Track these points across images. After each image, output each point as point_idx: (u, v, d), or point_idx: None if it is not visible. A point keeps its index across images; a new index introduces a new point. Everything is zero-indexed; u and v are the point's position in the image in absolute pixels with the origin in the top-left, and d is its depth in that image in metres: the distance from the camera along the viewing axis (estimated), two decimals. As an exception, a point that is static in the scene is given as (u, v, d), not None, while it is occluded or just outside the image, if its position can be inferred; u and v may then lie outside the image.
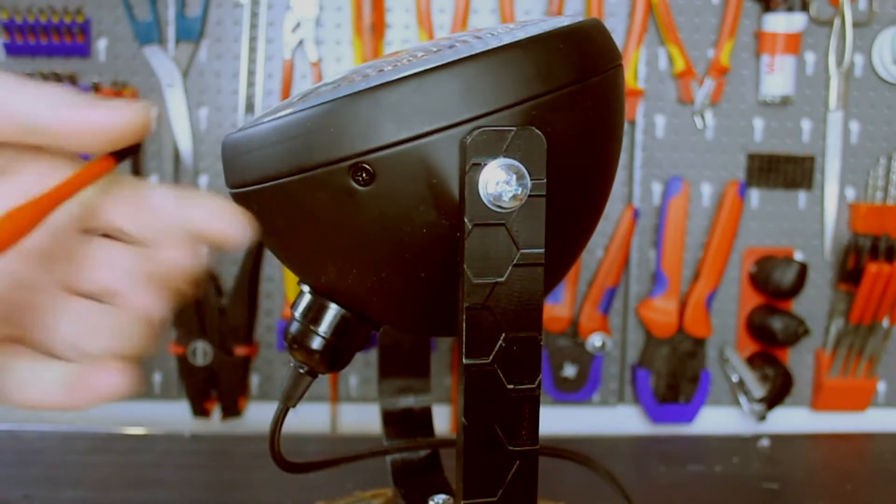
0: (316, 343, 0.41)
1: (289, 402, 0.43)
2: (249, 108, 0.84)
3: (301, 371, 0.43)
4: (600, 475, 0.50)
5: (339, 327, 0.41)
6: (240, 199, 0.41)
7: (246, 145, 0.38)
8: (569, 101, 0.36)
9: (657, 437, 0.88)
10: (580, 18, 0.39)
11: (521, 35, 0.35)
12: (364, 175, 0.34)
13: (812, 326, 0.86)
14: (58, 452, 0.80)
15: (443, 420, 0.88)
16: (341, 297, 0.40)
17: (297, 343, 0.41)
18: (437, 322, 0.40)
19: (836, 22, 0.85)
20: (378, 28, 0.83)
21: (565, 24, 0.37)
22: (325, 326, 0.41)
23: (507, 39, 0.35)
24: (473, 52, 0.34)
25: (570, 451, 0.50)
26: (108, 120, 0.28)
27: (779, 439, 0.87)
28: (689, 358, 0.87)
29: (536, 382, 0.35)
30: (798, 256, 0.88)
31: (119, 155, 0.30)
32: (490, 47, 0.35)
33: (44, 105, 0.27)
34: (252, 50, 0.84)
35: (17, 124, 0.28)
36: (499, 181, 0.33)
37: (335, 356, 0.41)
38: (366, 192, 0.34)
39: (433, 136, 0.33)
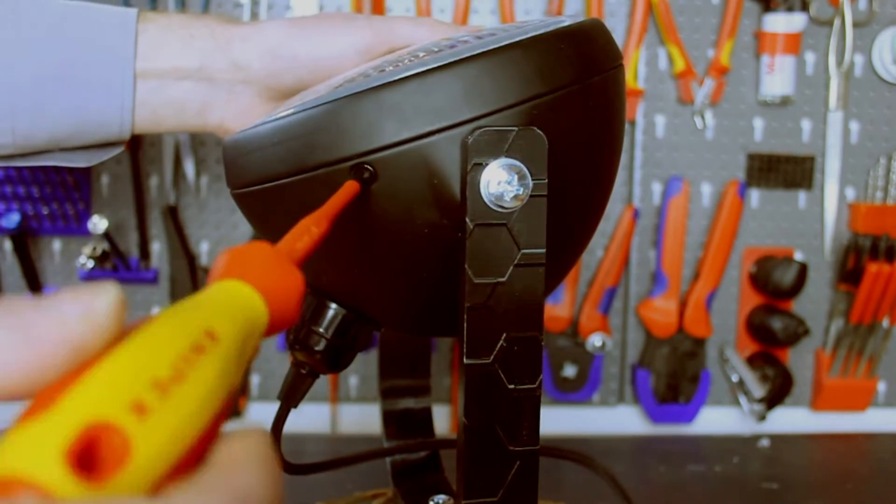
0: (317, 344, 0.41)
1: (290, 402, 0.43)
2: (249, 107, 0.84)
3: (302, 371, 0.43)
4: (599, 475, 0.50)
5: (341, 328, 0.41)
6: (241, 199, 0.41)
7: (247, 146, 0.38)
8: (570, 100, 0.36)
9: (657, 437, 0.88)
10: (581, 18, 0.39)
11: (521, 35, 0.36)
12: (365, 175, 0.34)
13: (812, 326, 0.86)
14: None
15: (443, 420, 0.88)
16: (343, 298, 0.40)
17: (298, 344, 0.41)
18: (439, 322, 0.40)
19: (836, 22, 0.85)
20: (378, 28, 0.83)
21: (566, 24, 0.37)
22: (326, 327, 0.41)
23: (507, 39, 0.35)
24: (474, 53, 0.34)
25: (570, 450, 0.50)
26: None
27: (779, 439, 0.87)
28: (689, 358, 0.87)
29: (537, 382, 0.35)
30: (798, 256, 0.88)
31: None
32: (491, 47, 0.35)
33: None
34: (252, 50, 0.84)
35: None
36: (500, 181, 0.33)
37: (337, 357, 0.41)
38: (367, 193, 0.34)
39: (434, 137, 0.34)
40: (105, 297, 0.19)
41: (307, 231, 0.28)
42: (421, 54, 0.38)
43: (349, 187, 0.32)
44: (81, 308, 0.19)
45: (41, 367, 0.18)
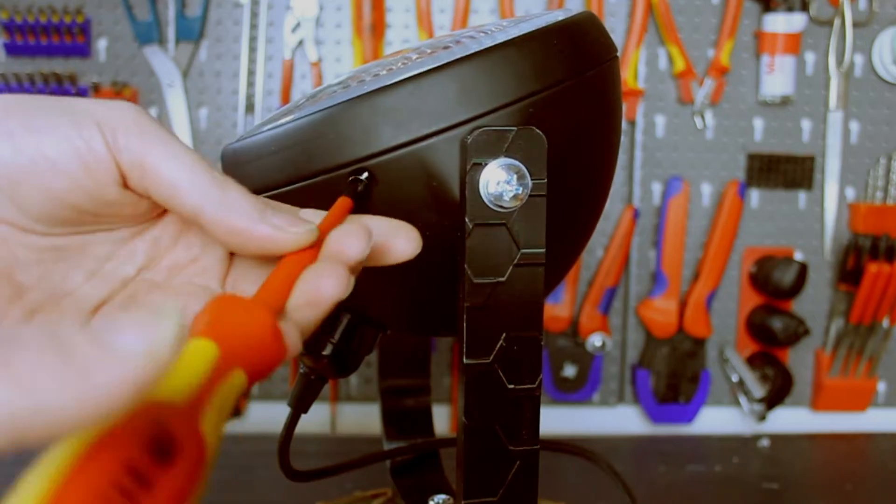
0: (324, 349, 0.41)
1: (300, 409, 0.43)
2: (249, 108, 0.84)
3: (311, 377, 0.43)
4: (601, 468, 0.50)
5: (347, 332, 0.41)
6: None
7: (246, 155, 0.38)
8: (565, 96, 0.36)
9: (657, 437, 0.88)
10: (574, 12, 0.39)
11: (515, 32, 0.35)
12: (359, 188, 0.34)
13: (812, 326, 0.86)
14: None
15: (443, 420, 0.88)
16: (346, 302, 0.40)
17: (305, 349, 0.41)
18: (440, 322, 0.40)
19: (836, 22, 0.85)
20: (378, 28, 0.83)
21: (559, 18, 0.37)
22: (332, 332, 0.41)
23: (501, 38, 0.35)
24: (468, 53, 0.34)
25: (571, 444, 0.50)
26: (273, 236, 0.28)
27: (779, 439, 0.87)
28: (689, 358, 0.87)
29: (537, 382, 0.35)
30: (798, 256, 0.88)
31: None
32: (484, 46, 0.34)
33: (214, 208, 0.28)
34: (252, 50, 0.84)
35: (183, 213, 0.28)
36: (499, 181, 0.33)
37: (344, 361, 0.42)
38: (366, 200, 0.34)
39: (431, 139, 0.33)
40: (168, 327, 0.17)
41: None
42: (415, 56, 0.38)
43: (341, 204, 0.31)
44: (143, 342, 0.17)
45: (98, 409, 0.16)
